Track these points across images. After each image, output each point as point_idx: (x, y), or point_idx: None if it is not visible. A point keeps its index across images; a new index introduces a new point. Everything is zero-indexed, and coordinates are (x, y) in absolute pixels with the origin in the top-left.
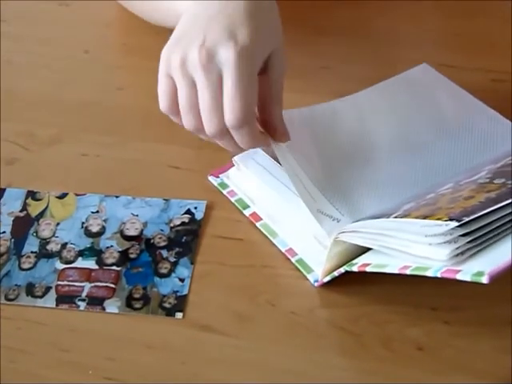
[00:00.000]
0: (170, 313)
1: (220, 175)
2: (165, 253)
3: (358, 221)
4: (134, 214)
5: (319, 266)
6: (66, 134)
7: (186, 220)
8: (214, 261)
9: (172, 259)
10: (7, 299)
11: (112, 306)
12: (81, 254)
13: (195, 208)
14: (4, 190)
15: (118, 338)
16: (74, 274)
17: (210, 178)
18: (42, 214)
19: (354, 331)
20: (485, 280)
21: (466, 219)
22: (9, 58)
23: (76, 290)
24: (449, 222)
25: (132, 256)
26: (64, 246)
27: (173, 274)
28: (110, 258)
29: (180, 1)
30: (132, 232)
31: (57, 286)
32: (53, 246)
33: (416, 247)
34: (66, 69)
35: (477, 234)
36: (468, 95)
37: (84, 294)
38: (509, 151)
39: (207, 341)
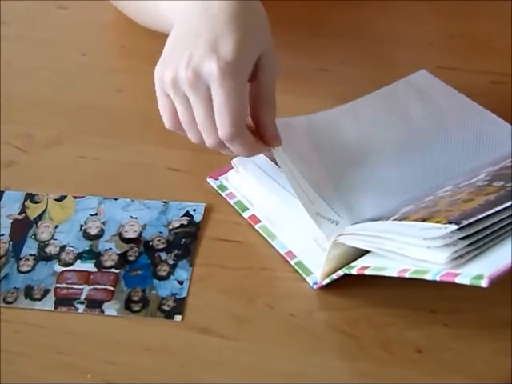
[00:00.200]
0: (168, 315)
1: (219, 177)
2: (164, 255)
3: (356, 223)
4: (132, 217)
5: (318, 268)
6: (65, 137)
7: (185, 222)
8: (212, 263)
9: (171, 262)
10: (6, 302)
11: (111, 309)
12: (79, 256)
13: (194, 210)
14: (2, 192)
15: (117, 340)
16: (72, 277)
17: (209, 181)
18: (40, 217)
19: (353, 334)
20: (484, 283)
21: (465, 222)
22: (8, 60)
23: (75, 293)
24: (448, 225)
25: (131, 258)
26: (63, 248)
27: (172, 277)
28: (109, 260)
29: (163, 1)
30: (131, 234)
31: (55, 288)
32: (51, 249)
33: (415, 250)
34: (64, 71)
35: (476, 238)
36: (466, 99)
37: (83, 297)
38: (507, 153)
39: (206, 343)
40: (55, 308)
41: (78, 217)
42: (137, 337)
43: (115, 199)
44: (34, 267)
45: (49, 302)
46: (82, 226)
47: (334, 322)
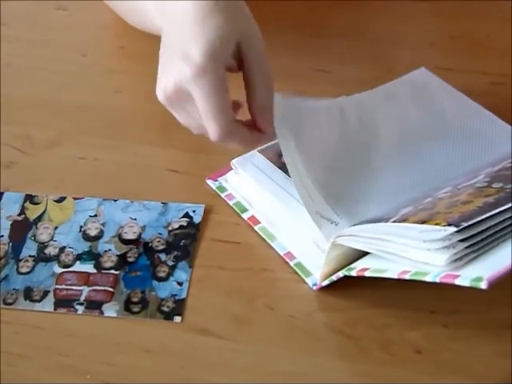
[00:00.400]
0: (168, 316)
1: (218, 179)
2: (163, 256)
3: (356, 224)
4: (132, 218)
5: (317, 269)
6: (64, 138)
7: (185, 223)
8: (212, 264)
9: (170, 263)
10: (5, 303)
11: (110, 310)
12: (79, 257)
13: (193, 211)
14: (2, 193)
15: (117, 341)
16: (72, 278)
17: (209, 182)
18: (40, 218)
19: (352, 335)
20: (484, 285)
21: (465, 224)
22: (8, 61)
23: (74, 294)
24: (447, 228)
25: (130, 260)
26: (62, 249)
27: (171, 278)
28: (108, 261)
29: (149, 1)
30: (130, 236)
31: (55, 289)
32: (51, 250)
33: (414, 252)
34: (63, 72)
35: (475, 240)
36: (466, 98)
37: (82, 298)
38: (507, 154)
39: (206, 344)
40: (55, 309)
41: (77, 218)
42: (136, 338)
43: (115, 200)
44: (33, 268)
45: (48, 304)
46: (81, 227)
47: (334, 323)
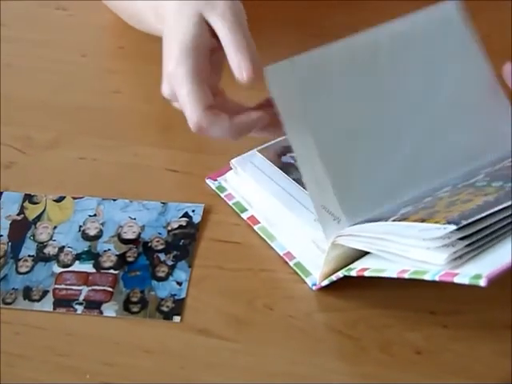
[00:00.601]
0: (167, 316)
1: (218, 178)
2: (162, 256)
3: (355, 224)
4: (131, 218)
5: (317, 269)
6: (64, 138)
7: (184, 223)
8: (211, 264)
9: (169, 263)
10: (4, 303)
11: (109, 310)
12: (78, 257)
13: (193, 211)
14: (1, 193)
15: (116, 341)
16: (71, 278)
17: (208, 182)
18: (39, 218)
19: (352, 335)
20: (483, 283)
21: (464, 222)
22: (8, 62)
23: (73, 294)
24: (447, 226)
25: (129, 259)
26: (61, 249)
27: (170, 278)
28: (108, 261)
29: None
30: (129, 235)
31: (54, 289)
32: (50, 250)
33: (414, 251)
34: (63, 72)
35: (475, 238)
36: (489, 75)
37: (81, 298)
38: (507, 154)
39: (205, 344)
40: (54, 309)
41: (76, 218)
42: (136, 338)
43: (114, 200)
44: (32, 268)
45: (47, 303)
46: (80, 226)
47: (333, 323)
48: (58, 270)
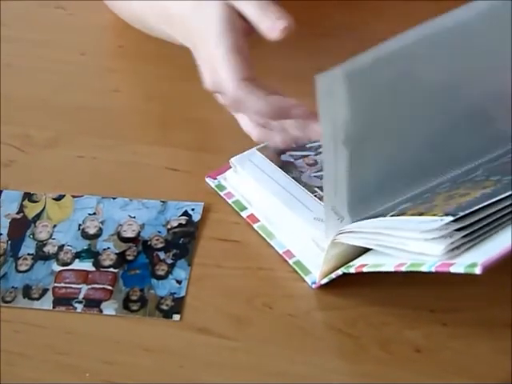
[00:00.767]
0: (167, 315)
1: (217, 177)
2: (162, 255)
3: (355, 221)
4: (131, 216)
5: (317, 267)
6: (63, 136)
7: (183, 222)
8: (211, 263)
9: (169, 261)
10: (4, 301)
11: (109, 308)
12: (78, 255)
13: (192, 210)
14: (1, 191)
15: (116, 340)
16: (70, 276)
17: (208, 180)
18: (38, 216)
19: (351, 333)
20: (478, 271)
21: (461, 214)
22: (8, 61)
23: (73, 292)
24: (444, 217)
25: (129, 258)
26: (61, 247)
27: (170, 276)
28: (107, 259)
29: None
30: (129, 234)
31: (54, 288)
32: (49, 248)
33: (412, 244)
34: (63, 71)
35: (472, 228)
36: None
37: (81, 296)
38: (506, 152)
39: (204, 343)
40: (53, 307)
41: (76, 216)
42: (135, 336)
43: (114, 199)
44: (32, 266)
45: (47, 302)
46: (80, 225)
47: (333, 321)
48: (57, 268)
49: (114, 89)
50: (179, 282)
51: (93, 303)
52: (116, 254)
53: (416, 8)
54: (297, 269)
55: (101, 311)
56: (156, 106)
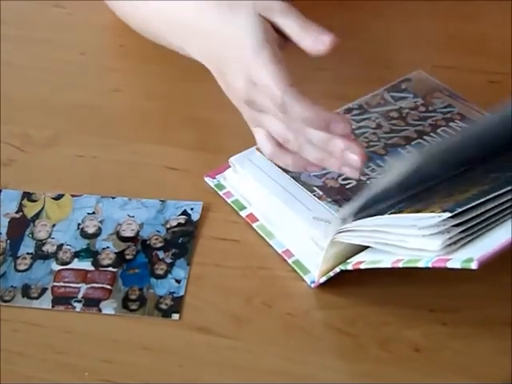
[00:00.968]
0: (166, 314)
1: (216, 176)
2: (161, 254)
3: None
4: (130, 215)
5: (316, 267)
6: (62, 136)
7: (183, 221)
8: (210, 262)
9: (168, 260)
10: (3, 300)
11: (108, 308)
12: (77, 255)
13: (191, 209)
14: (0, 191)
15: (115, 339)
16: (69, 276)
17: (207, 179)
18: (37, 216)
19: (350, 332)
20: (474, 266)
21: (459, 210)
22: (7, 60)
23: (72, 292)
24: (441, 214)
25: (128, 257)
26: (60, 247)
27: (169, 275)
28: (106, 259)
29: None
30: (128, 233)
31: (53, 287)
32: (49, 248)
33: (411, 240)
34: (62, 71)
35: (469, 224)
36: None
37: (80, 296)
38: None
39: (204, 342)
40: (52, 307)
41: (75, 215)
42: (134, 336)
43: (113, 198)
44: (31, 266)
45: (46, 301)
46: (79, 224)
47: (332, 320)
48: (56, 267)
49: (115, 88)
50: (178, 281)
51: (92, 302)
52: (115, 253)
53: (415, 8)
54: (296, 268)
55: (100, 310)
56: (156, 105)
